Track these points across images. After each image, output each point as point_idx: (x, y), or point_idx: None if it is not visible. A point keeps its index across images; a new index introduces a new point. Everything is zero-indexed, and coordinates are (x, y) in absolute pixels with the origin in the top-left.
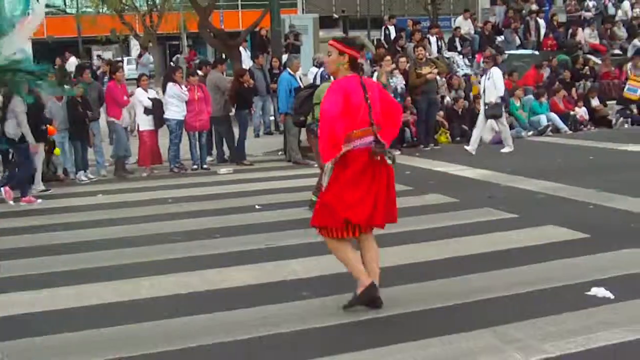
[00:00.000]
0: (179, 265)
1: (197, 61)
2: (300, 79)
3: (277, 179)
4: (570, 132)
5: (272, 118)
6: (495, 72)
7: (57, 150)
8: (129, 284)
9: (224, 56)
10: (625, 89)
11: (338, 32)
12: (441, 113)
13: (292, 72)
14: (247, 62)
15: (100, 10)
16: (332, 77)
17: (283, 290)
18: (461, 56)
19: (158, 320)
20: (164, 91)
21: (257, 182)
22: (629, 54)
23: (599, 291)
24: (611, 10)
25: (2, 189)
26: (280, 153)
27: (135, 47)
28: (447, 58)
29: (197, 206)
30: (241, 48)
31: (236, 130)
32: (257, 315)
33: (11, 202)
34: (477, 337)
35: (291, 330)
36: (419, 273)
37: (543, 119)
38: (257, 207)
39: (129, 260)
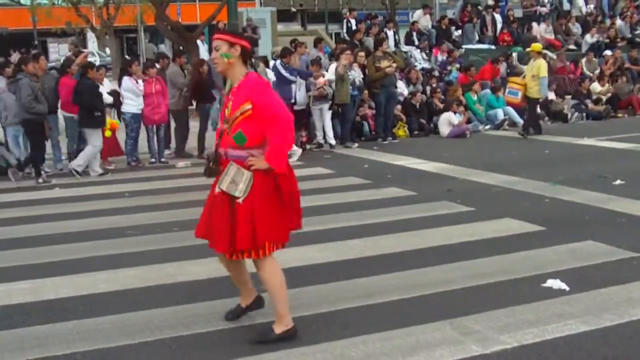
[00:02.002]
0: (137, 259)
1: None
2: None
3: None
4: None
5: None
6: None
7: (107, 132)
8: (86, 278)
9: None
10: (506, 92)
11: (296, 26)
12: (399, 107)
13: None
14: (204, 56)
15: (56, 2)
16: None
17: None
18: (419, 50)
19: (116, 315)
20: (119, 84)
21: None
22: (583, 49)
23: (555, 283)
24: (566, 6)
25: None
26: None
27: (91, 39)
28: (405, 52)
29: (155, 200)
30: (199, 41)
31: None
32: (217, 309)
33: None
34: (436, 329)
35: (252, 323)
36: (377, 266)
37: (500, 113)
38: None
39: (86, 254)
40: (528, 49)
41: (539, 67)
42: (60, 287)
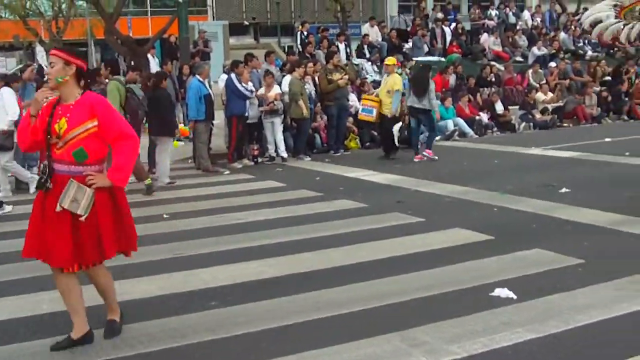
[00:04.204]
0: (81, 278)
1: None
2: (209, 85)
3: (186, 187)
4: (476, 136)
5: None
6: None
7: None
8: (30, 299)
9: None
10: (360, 111)
11: (249, 39)
12: (351, 119)
13: (201, 79)
14: (155, 69)
15: (3, 15)
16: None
17: (191, 301)
18: (370, 63)
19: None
20: None
21: (165, 191)
22: (530, 61)
23: (502, 292)
24: (512, 19)
25: None
26: (190, 161)
27: (40, 53)
28: (356, 65)
29: None
30: (149, 55)
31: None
32: (163, 327)
33: None
34: (385, 341)
35: (199, 341)
36: (327, 279)
37: (450, 124)
38: (165, 216)
39: (31, 274)
40: (385, 62)
41: (394, 82)
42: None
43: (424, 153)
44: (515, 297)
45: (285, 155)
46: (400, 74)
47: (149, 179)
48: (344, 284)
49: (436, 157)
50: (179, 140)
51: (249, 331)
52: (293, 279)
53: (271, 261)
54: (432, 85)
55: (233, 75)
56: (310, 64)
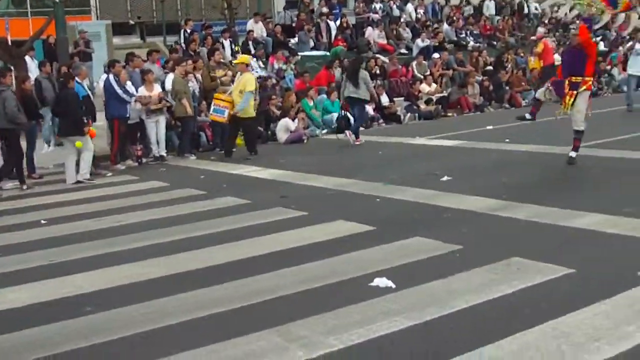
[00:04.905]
0: None
1: None
2: (88, 87)
3: (66, 191)
4: (362, 128)
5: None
6: None
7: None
8: None
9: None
10: (211, 111)
11: (135, 39)
12: None
13: (79, 80)
14: (34, 72)
15: None
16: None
17: (65, 308)
18: (255, 59)
19: None
20: None
21: (45, 196)
22: (414, 53)
23: (381, 281)
24: (396, 12)
25: None
26: None
27: None
28: None
29: None
30: (27, 57)
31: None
32: (37, 337)
33: None
34: (262, 338)
35: (73, 348)
36: (207, 278)
37: (336, 118)
38: (42, 221)
39: None
40: (235, 61)
41: (247, 81)
42: None
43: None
44: (394, 286)
45: (164, 153)
46: (286, 70)
47: None
48: (225, 282)
49: (360, 141)
50: None
51: (124, 335)
52: (172, 279)
53: (151, 262)
54: (366, 76)
55: (111, 77)
56: (190, 62)
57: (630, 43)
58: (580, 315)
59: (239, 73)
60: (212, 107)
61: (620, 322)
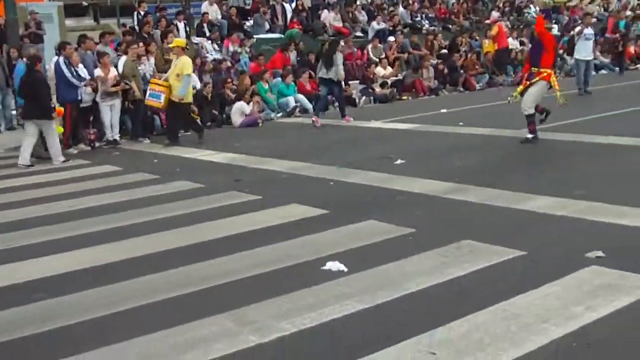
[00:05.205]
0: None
1: None
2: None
3: (19, 175)
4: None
5: (13, 112)
6: None
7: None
8: None
9: None
10: (147, 96)
11: (88, 21)
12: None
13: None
14: None
15: None
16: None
17: (16, 294)
18: (210, 41)
19: None
20: None
21: None
22: (369, 36)
23: (334, 265)
24: None
25: None
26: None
27: None
28: (196, 44)
29: None
30: None
31: None
32: None
33: None
34: (214, 322)
35: (21, 336)
36: (161, 262)
37: (291, 101)
38: None
39: None
40: (170, 45)
41: (183, 64)
42: None
43: (343, 121)
44: (346, 269)
45: (117, 137)
46: (241, 53)
47: None
48: (179, 266)
49: (351, 119)
50: None
51: (77, 321)
52: (127, 264)
53: (105, 247)
54: (340, 58)
55: (61, 59)
56: (142, 45)
57: (579, 28)
58: (530, 297)
59: (175, 56)
60: (147, 92)
61: (569, 303)
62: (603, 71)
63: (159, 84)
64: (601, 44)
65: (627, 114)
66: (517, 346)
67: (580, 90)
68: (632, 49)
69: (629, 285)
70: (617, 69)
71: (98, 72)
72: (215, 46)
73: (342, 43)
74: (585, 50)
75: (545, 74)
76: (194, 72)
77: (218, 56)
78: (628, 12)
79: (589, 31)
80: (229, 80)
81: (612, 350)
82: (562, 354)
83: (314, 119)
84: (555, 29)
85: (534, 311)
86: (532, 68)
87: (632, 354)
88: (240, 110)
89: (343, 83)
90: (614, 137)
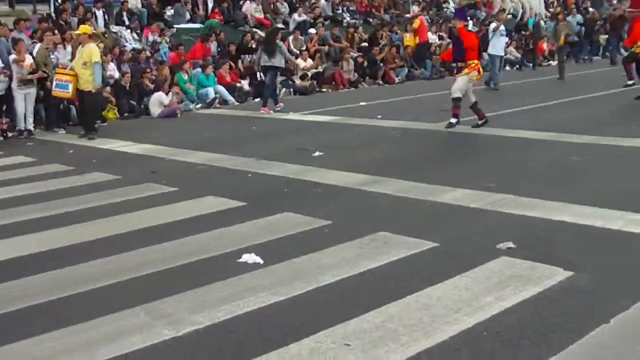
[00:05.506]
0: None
1: None
2: None
3: None
4: (237, 103)
5: None
6: None
7: None
8: None
9: None
10: (54, 86)
11: (4, 6)
12: (108, 89)
13: None
14: None
15: None
16: None
17: None
18: (129, 30)
19: None
20: None
21: None
22: (291, 27)
23: (250, 257)
24: None
25: None
26: None
27: None
28: (115, 32)
29: None
30: None
31: None
32: None
33: None
34: (129, 316)
35: None
36: (72, 256)
37: (211, 92)
38: None
39: None
40: (76, 32)
41: (90, 52)
42: None
43: (261, 110)
44: (262, 261)
45: (31, 127)
46: (160, 43)
47: None
48: (92, 259)
49: (272, 111)
50: None
51: None
52: (40, 257)
53: (17, 240)
54: (283, 45)
55: None
56: (57, 32)
57: (494, 24)
58: (442, 288)
59: (80, 45)
60: (54, 83)
61: (479, 293)
62: (508, 67)
63: (65, 74)
64: (515, 40)
65: (538, 109)
66: (430, 336)
67: (496, 85)
68: (544, 45)
69: (537, 276)
70: (530, 65)
71: (13, 58)
72: (135, 35)
73: (258, 33)
74: (498, 46)
75: (473, 65)
76: (112, 61)
77: (137, 45)
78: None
79: (503, 28)
80: (148, 70)
81: (520, 338)
82: (473, 343)
83: (263, 109)
84: (470, 25)
85: (445, 302)
86: (459, 63)
87: (539, 342)
88: (158, 101)
89: (259, 75)
90: (524, 131)
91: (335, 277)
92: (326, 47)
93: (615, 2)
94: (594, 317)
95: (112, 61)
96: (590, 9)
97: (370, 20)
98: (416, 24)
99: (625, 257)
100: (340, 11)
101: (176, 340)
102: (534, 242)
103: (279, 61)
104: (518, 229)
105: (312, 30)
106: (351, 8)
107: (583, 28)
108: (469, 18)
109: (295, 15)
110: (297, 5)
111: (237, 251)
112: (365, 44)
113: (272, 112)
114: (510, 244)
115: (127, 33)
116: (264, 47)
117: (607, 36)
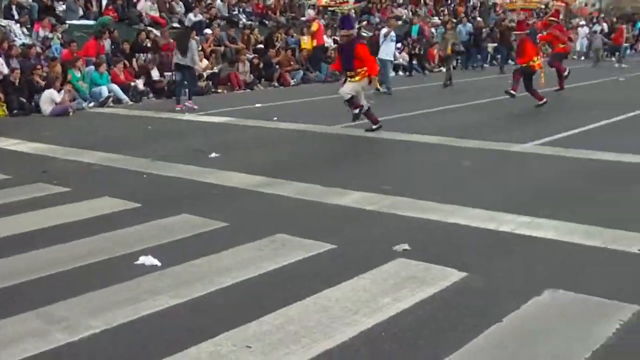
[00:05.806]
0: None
1: None
2: None
3: None
4: (132, 102)
5: None
6: None
7: None
8: None
9: None
10: None
11: None
12: None
13: None
14: None
15: None
16: None
17: None
18: (18, 25)
19: None
20: None
21: None
22: None
23: (147, 260)
24: None
25: None
26: None
27: None
28: (3, 26)
29: None
30: None
31: None
32: None
33: None
34: (21, 321)
35: None
36: None
37: (104, 90)
38: None
39: None
40: None
41: None
42: None
43: (186, 103)
44: (160, 264)
45: None
46: (52, 39)
47: None
48: None
49: (196, 107)
50: None
51: None
52: None
53: None
54: (195, 45)
55: None
56: None
57: (385, 30)
58: (340, 290)
59: None
60: None
61: (377, 294)
62: (401, 72)
63: None
64: (406, 46)
65: (429, 114)
66: (330, 337)
67: (389, 90)
68: (435, 52)
69: (432, 277)
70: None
71: None
72: (25, 30)
73: (153, 32)
74: (390, 51)
75: (363, 72)
76: (0, 56)
77: (27, 41)
78: (435, 19)
79: (394, 34)
80: (39, 66)
81: (417, 339)
82: (372, 344)
83: (178, 106)
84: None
85: (344, 303)
86: (348, 72)
87: (435, 342)
88: (50, 98)
89: (154, 74)
90: (418, 135)
91: (235, 279)
92: (222, 48)
93: (501, 12)
94: (488, 316)
95: (0, 56)
96: (478, 18)
97: (266, 22)
98: (314, 27)
99: (516, 258)
100: (236, 12)
101: (72, 346)
102: (429, 244)
103: (190, 60)
104: (413, 231)
105: (208, 31)
106: (247, 9)
107: (472, 37)
108: (357, 23)
109: (191, 15)
110: (193, 5)
111: (133, 253)
112: (261, 45)
113: (184, 107)
114: (406, 246)
115: (16, 27)
116: (177, 45)
117: (496, 44)
